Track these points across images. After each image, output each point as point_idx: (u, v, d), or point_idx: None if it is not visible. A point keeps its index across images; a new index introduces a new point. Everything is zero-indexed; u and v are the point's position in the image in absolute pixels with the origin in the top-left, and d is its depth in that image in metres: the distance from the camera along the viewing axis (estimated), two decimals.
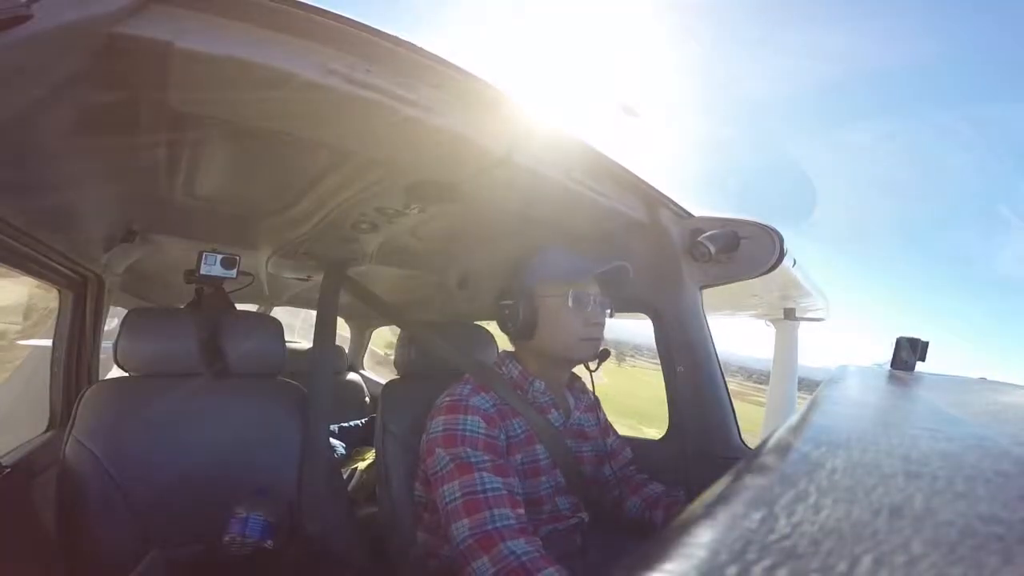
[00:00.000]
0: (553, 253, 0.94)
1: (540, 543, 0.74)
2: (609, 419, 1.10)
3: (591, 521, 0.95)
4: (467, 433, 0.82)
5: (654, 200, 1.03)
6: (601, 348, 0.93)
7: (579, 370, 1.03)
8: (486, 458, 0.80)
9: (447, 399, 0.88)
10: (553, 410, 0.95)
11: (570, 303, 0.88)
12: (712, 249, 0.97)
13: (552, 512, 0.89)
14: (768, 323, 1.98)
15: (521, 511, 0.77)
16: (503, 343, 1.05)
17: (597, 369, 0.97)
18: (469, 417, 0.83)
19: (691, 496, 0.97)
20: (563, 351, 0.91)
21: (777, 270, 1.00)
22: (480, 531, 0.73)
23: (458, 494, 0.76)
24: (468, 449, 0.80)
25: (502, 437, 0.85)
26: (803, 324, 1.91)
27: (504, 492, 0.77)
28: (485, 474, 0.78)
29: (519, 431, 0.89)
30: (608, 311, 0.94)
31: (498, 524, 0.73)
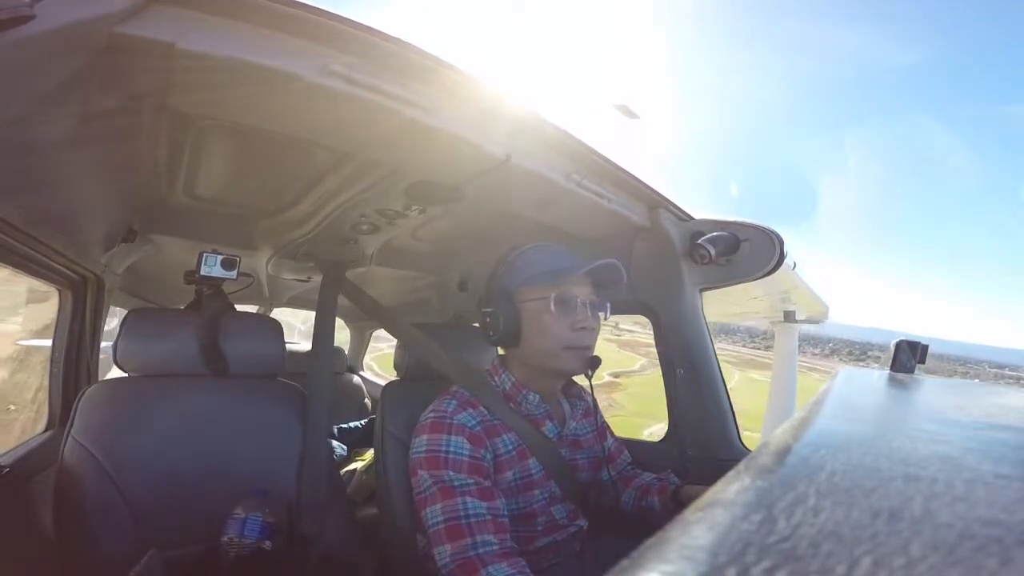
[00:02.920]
0: (533, 252, 0.88)
1: (524, 564, 0.73)
2: None
3: (590, 527, 0.94)
4: (451, 455, 0.79)
5: (654, 202, 1.03)
6: (592, 355, 0.87)
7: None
8: (470, 481, 0.77)
9: (431, 416, 0.84)
10: (548, 421, 0.92)
11: (552, 307, 0.82)
12: (712, 251, 0.97)
13: (548, 523, 0.87)
14: (768, 325, 1.98)
15: (505, 535, 0.75)
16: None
17: (592, 376, 0.91)
18: (453, 437, 0.80)
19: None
20: (547, 361, 0.86)
21: (777, 272, 1.00)
22: (462, 557, 0.72)
23: (440, 519, 0.75)
24: (451, 472, 0.77)
25: (488, 457, 0.82)
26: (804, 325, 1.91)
27: (488, 517, 0.75)
28: (468, 499, 0.75)
29: (510, 447, 0.85)
30: (603, 313, 0.89)
31: (480, 551, 0.72)
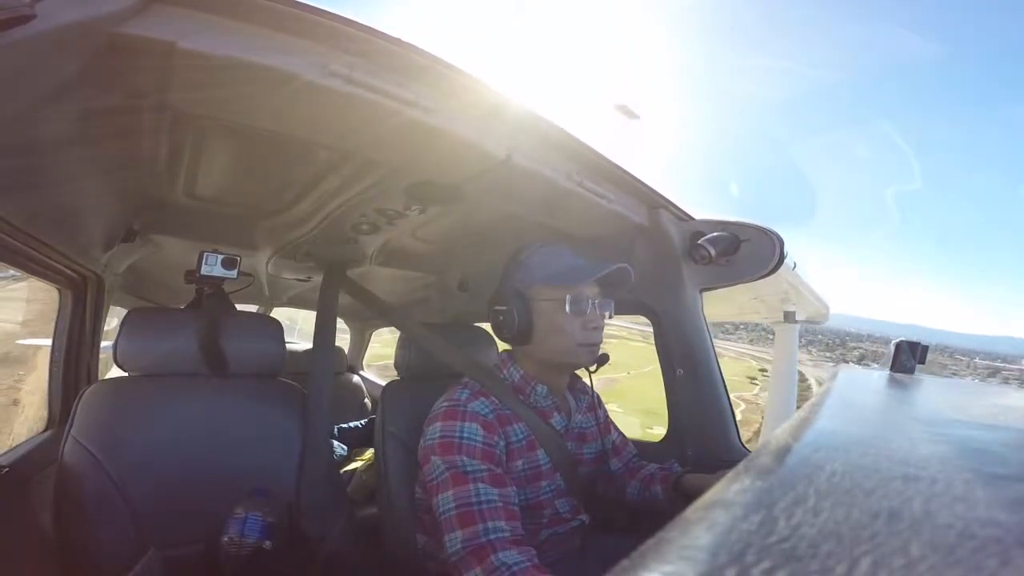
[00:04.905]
0: (546, 253, 0.91)
1: (534, 552, 0.74)
2: None
3: (591, 522, 0.95)
4: (464, 441, 0.80)
5: (655, 203, 1.03)
6: (600, 352, 0.91)
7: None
8: (483, 468, 0.78)
9: (445, 404, 0.86)
10: (555, 414, 0.93)
11: (567, 308, 0.85)
12: (712, 252, 0.97)
13: (553, 515, 0.88)
14: (768, 326, 1.98)
15: (516, 522, 0.76)
16: (503, 344, 1.04)
17: (596, 371, 0.95)
18: (467, 424, 0.81)
19: (690, 499, 0.97)
20: (561, 357, 0.89)
21: (777, 272, 1.00)
22: (473, 543, 0.72)
23: (452, 505, 0.75)
24: (464, 458, 0.78)
25: (501, 444, 0.83)
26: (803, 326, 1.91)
27: (499, 504, 0.76)
28: (481, 485, 0.76)
29: (520, 437, 0.87)
30: (608, 313, 0.91)
31: (491, 536, 0.72)
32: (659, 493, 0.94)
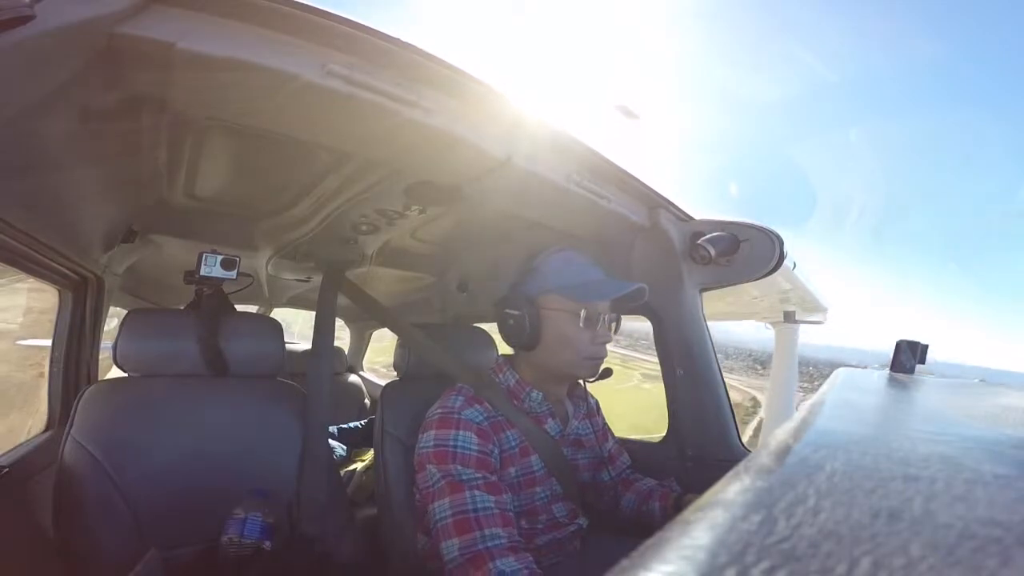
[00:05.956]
0: (561, 260, 0.90)
1: (531, 559, 0.73)
2: None
3: (590, 526, 0.95)
4: (458, 450, 0.79)
5: (654, 203, 1.03)
6: (603, 367, 0.91)
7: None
8: (478, 476, 0.78)
9: (438, 412, 0.85)
10: (550, 419, 0.93)
11: (581, 323, 0.85)
12: (712, 252, 0.97)
13: (549, 520, 0.88)
14: (768, 326, 1.98)
15: (512, 529, 0.76)
16: (503, 346, 1.04)
17: (594, 382, 0.95)
18: (461, 432, 0.81)
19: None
20: (564, 368, 0.89)
21: (777, 273, 1.00)
22: (470, 551, 0.72)
23: (448, 512, 0.75)
24: (459, 467, 0.78)
25: (495, 452, 0.83)
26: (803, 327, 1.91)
27: (496, 511, 0.75)
28: (476, 492, 0.76)
29: (513, 444, 0.87)
30: (615, 325, 0.91)
31: (488, 544, 0.72)
32: (656, 510, 0.94)
